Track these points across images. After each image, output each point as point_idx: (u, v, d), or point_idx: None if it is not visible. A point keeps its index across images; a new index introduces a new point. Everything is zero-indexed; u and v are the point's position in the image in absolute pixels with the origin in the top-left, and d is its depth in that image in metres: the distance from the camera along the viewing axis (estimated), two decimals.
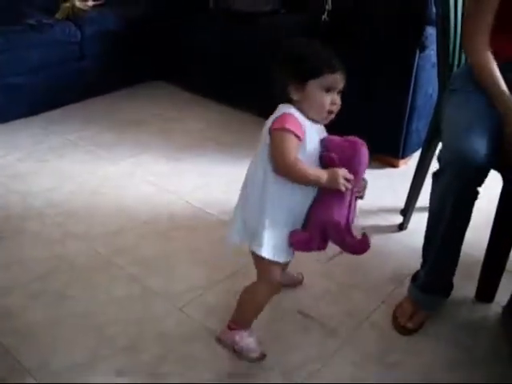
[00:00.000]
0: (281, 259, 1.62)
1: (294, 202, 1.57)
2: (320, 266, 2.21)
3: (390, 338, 1.91)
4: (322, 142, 1.56)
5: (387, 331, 1.94)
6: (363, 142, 1.55)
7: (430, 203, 1.87)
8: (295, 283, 2.11)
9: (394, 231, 2.47)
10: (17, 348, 1.83)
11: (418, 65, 2.69)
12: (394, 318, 1.99)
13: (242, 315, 1.81)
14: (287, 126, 1.47)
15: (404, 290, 2.05)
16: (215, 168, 2.95)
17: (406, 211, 2.46)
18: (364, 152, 1.54)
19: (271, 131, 1.51)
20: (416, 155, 2.53)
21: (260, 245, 1.59)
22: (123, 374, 1.76)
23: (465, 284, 2.10)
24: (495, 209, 1.97)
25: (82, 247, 2.32)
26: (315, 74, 1.48)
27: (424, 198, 2.09)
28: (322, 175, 1.50)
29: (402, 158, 2.92)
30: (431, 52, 2.65)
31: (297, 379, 1.74)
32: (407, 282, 2.06)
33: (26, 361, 1.79)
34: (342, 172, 1.50)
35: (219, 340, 1.86)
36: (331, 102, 1.50)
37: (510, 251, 2.01)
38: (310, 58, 1.50)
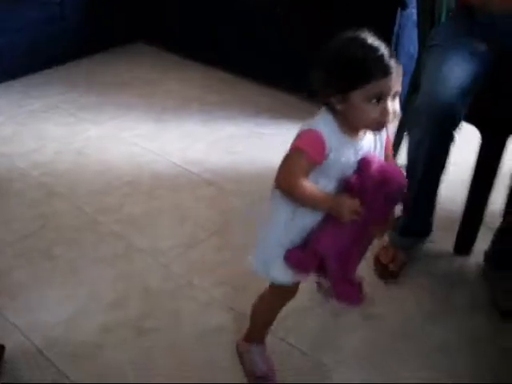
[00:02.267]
0: (290, 280, 1.47)
1: (302, 226, 1.40)
2: None
3: (374, 289, 1.94)
4: (359, 162, 1.33)
5: (368, 280, 1.97)
6: (398, 173, 1.36)
7: (408, 149, 1.93)
8: None
9: None
10: (5, 307, 1.86)
11: (399, 23, 2.70)
12: (377, 261, 2.05)
13: (253, 327, 1.68)
14: (305, 146, 1.28)
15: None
16: (198, 128, 2.95)
17: None
18: (393, 186, 1.33)
19: (291, 146, 1.33)
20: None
21: (268, 269, 1.46)
22: (109, 331, 1.80)
23: (444, 238, 2.15)
24: (473, 164, 2.01)
25: (67, 207, 2.34)
26: (357, 83, 1.21)
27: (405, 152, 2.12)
28: (324, 201, 1.33)
29: None
30: (412, 10, 2.65)
31: None
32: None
33: (14, 319, 1.82)
34: (351, 202, 1.30)
35: (237, 347, 1.74)
36: (381, 113, 1.23)
37: (487, 205, 2.06)
38: (350, 65, 1.23)
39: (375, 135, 1.36)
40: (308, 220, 1.39)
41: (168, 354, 1.73)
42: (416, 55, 2.33)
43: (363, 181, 1.32)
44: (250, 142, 2.81)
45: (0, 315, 1.83)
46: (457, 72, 1.83)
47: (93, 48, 3.69)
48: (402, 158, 2.03)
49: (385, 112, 1.23)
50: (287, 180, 1.32)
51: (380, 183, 1.31)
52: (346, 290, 1.41)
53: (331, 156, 1.29)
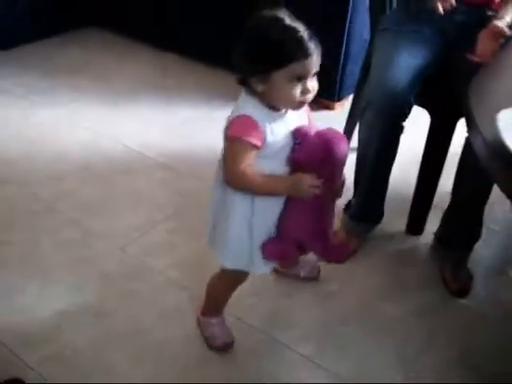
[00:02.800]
0: (242, 267, 1.53)
1: (257, 211, 1.41)
2: None
3: (327, 268, 1.97)
4: (294, 134, 1.36)
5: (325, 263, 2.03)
6: (339, 138, 1.37)
7: (358, 138, 1.97)
8: (311, 277, 1.96)
9: None
10: None
11: (352, 8, 2.73)
12: None
13: (208, 301, 1.72)
14: (242, 135, 1.28)
15: None
16: (153, 112, 2.94)
17: None
18: (339, 152, 1.34)
19: (226, 138, 1.35)
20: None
21: (218, 253, 1.52)
22: (67, 314, 1.80)
23: (396, 219, 2.20)
24: (424, 146, 2.06)
25: (22, 193, 2.31)
26: (279, 64, 1.23)
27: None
28: (281, 184, 1.35)
29: (338, 100, 2.99)
30: None
31: None
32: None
33: None
34: (307, 178, 1.33)
35: (198, 321, 1.76)
36: (302, 91, 1.27)
37: (436, 186, 2.12)
38: (272, 46, 1.24)
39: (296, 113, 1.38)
40: (269, 212, 1.42)
41: (126, 335, 1.74)
42: (368, 40, 2.37)
43: (308, 152, 1.34)
44: (205, 125, 2.81)
45: None
46: (406, 59, 1.86)
47: (46, 32, 3.62)
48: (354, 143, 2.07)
49: (306, 91, 1.27)
50: (236, 173, 1.32)
51: (324, 149, 1.33)
52: (333, 253, 1.50)
53: (268, 136, 1.30)
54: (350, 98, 2.62)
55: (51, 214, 2.21)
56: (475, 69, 1.52)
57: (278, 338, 1.76)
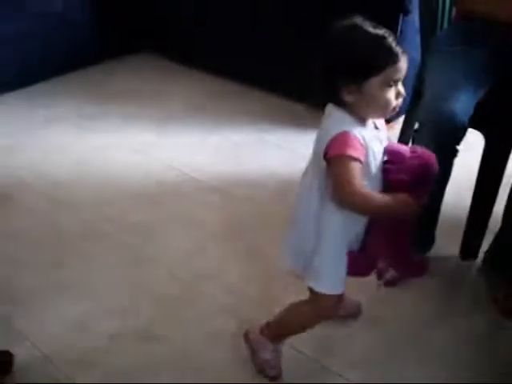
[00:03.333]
0: (339, 291, 1.47)
1: (354, 233, 1.40)
2: None
3: (377, 293, 1.95)
4: (387, 152, 1.35)
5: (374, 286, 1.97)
6: (433, 158, 1.38)
7: None
8: (352, 314, 1.87)
9: None
10: (14, 315, 1.88)
11: (401, 30, 2.71)
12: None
13: (279, 329, 1.64)
14: (348, 152, 1.24)
15: None
16: (203, 136, 2.95)
17: None
18: (436, 173, 1.37)
19: (329, 158, 1.27)
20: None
21: (317, 279, 1.44)
22: (116, 337, 1.82)
23: (449, 244, 2.15)
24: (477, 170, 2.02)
25: (73, 217, 2.35)
26: (374, 71, 1.23)
27: None
28: (395, 205, 1.32)
29: (388, 122, 2.95)
30: (415, 17, 2.67)
31: None
32: None
33: (23, 327, 1.85)
34: (411, 201, 1.32)
35: (246, 337, 1.70)
36: (396, 95, 1.27)
37: (492, 210, 2.05)
38: (363, 53, 1.24)
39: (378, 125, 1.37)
40: (359, 225, 1.40)
41: (175, 360, 1.74)
42: (419, 61, 2.34)
43: (410, 173, 1.32)
44: (254, 149, 2.82)
45: (8, 323, 1.85)
46: (461, 81, 1.82)
47: (97, 57, 3.70)
48: None
49: (399, 94, 1.27)
50: (353, 192, 1.26)
51: (425, 170, 1.34)
52: (413, 269, 1.52)
53: (369, 152, 1.29)
54: (401, 120, 2.59)
55: (102, 238, 2.23)
56: None
57: (328, 364, 1.73)
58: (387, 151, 1.34)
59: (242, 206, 2.42)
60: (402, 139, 2.40)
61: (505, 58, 1.90)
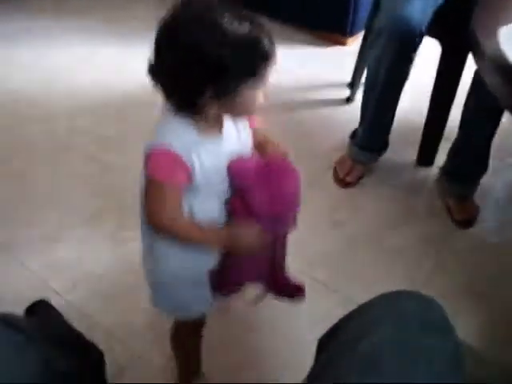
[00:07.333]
0: (184, 316, 1.31)
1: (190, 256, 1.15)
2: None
3: (336, 196, 2.03)
4: (229, 171, 1.08)
5: (334, 191, 2.08)
6: (291, 168, 1.11)
7: (368, 65, 1.97)
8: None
9: (341, 104, 2.55)
10: None
11: None
12: (335, 173, 2.15)
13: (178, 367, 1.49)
14: (162, 177, 1.04)
15: None
16: None
17: (353, 84, 2.53)
18: (289, 191, 1.10)
19: (145, 173, 1.08)
20: None
21: (153, 300, 1.27)
22: (86, 242, 1.88)
23: (406, 149, 2.23)
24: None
25: (41, 130, 2.37)
26: (246, 80, 0.99)
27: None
28: (213, 239, 1.12)
29: (351, 35, 2.95)
30: None
31: None
32: None
33: None
34: (247, 233, 1.09)
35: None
36: (264, 96, 1.05)
37: (447, 117, 2.13)
38: (233, 57, 0.95)
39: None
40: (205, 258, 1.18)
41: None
42: None
43: (248, 196, 1.08)
44: None
45: None
46: None
47: None
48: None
49: (267, 94, 1.05)
50: (161, 220, 1.08)
51: (270, 188, 1.07)
52: (288, 292, 1.29)
53: (197, 171, 1.05)
54: (362, 34, 2.60)
55: (69, 150, 2.26)
56: None
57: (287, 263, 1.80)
58: (232, 171, 1.08)
59: None
60: (363, 50, 2.41)
61: None
